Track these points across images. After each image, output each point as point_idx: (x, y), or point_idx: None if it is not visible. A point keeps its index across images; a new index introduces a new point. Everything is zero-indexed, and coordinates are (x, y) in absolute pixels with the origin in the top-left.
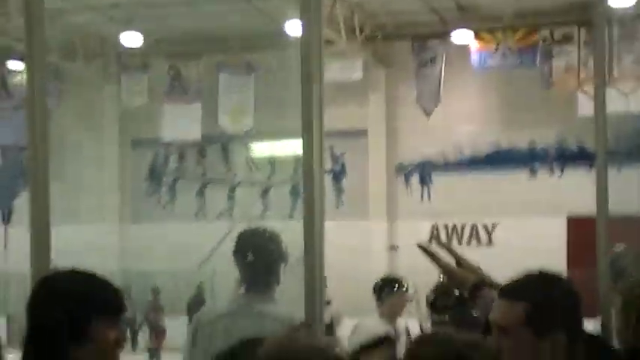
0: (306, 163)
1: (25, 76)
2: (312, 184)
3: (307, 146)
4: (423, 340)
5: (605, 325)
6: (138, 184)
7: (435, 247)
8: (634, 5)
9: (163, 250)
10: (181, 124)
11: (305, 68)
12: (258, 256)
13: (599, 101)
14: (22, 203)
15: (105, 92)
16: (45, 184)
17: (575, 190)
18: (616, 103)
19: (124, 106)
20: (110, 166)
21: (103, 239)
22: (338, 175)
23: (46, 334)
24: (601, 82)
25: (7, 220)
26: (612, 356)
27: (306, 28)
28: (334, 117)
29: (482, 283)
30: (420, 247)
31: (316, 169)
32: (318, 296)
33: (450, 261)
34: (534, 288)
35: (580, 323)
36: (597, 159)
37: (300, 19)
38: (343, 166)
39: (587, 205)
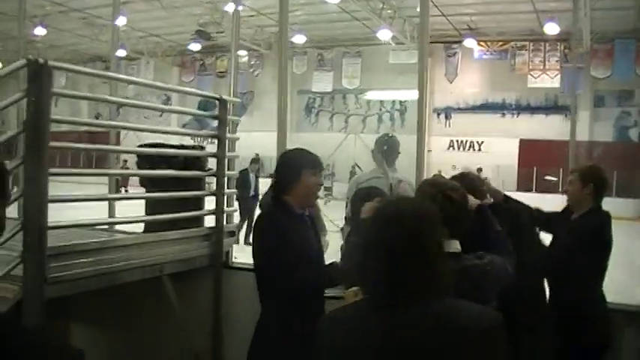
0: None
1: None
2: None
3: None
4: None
5: None
6: (300, 112)
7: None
8: None
9: (313, 145)
10: (323, 82)
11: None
12: (388, 148)
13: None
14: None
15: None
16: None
17: (524, 126)
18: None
19: (294, 72)
20: (287, 103)
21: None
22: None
23: (280, 180)
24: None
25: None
26: None
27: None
28: (402, 83)
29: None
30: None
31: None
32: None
33: None
34: None
35: None
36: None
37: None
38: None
39: (529, 134)
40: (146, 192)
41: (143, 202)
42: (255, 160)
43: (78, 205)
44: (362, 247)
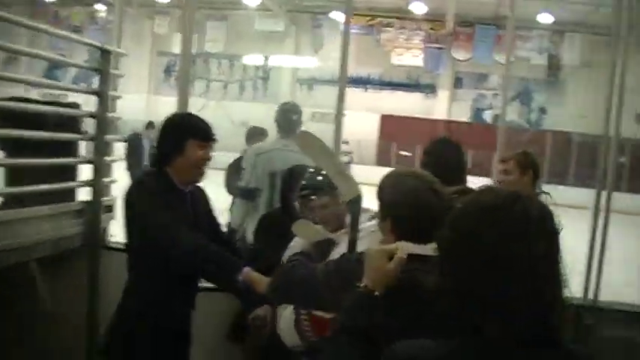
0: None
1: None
2: None
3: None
4: None
5: None
6: (159, 74)
7: None
8: None
9: (171, 110)
10: None
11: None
12: (298, 117)
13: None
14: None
15: (146, 24)
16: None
17: (386, 102)
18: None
19: (155, 33)
20: (146, 64)
21: (140, 102)
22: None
23: (161, 149)
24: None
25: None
26: None
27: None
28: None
29: None
30: None
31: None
32: None
33: None
34: None
35: None
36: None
37: None
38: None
39: (390, 110)
40: (6, 157)
41: None
42: (151, 125)
43: None
44: (470, 258)
